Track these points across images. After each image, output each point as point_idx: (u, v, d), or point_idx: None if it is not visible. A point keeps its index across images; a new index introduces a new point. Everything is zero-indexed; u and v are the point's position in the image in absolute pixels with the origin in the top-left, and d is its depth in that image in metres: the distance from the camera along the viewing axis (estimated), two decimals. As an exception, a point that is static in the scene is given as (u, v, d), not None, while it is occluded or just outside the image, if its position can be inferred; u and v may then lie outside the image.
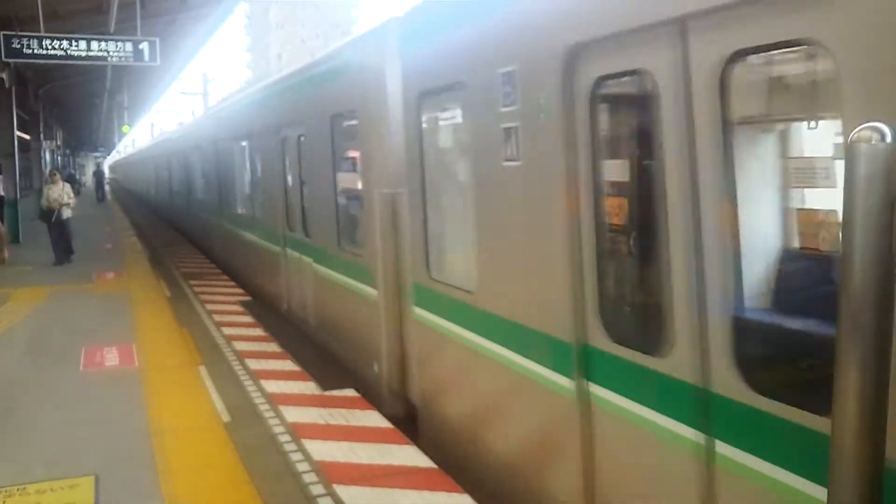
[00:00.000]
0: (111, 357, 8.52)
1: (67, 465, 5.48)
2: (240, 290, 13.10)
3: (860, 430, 1.51)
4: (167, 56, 21.78)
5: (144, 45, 15.42)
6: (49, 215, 16.21)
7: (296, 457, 5.52)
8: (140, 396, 7.06)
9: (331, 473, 5.20)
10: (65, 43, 14.91)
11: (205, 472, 5.33)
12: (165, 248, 20.19)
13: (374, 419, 6.30)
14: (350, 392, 7.01)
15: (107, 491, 5.05)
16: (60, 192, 16.51)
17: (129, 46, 15.35)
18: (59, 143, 44.55)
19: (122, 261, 16.97)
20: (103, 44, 15.24)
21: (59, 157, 43.81)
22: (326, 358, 8.43)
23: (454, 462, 5.39)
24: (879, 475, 1.50)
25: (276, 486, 5.06)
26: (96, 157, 74.82)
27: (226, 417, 6.42)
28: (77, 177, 54.82)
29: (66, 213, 16.43)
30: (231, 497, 4.93)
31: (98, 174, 49.30)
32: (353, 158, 7.98)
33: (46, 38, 14.86)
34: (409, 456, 5.49)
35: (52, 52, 14.82)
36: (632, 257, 3.90)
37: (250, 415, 6.49)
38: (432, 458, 5.45)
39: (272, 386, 7.26)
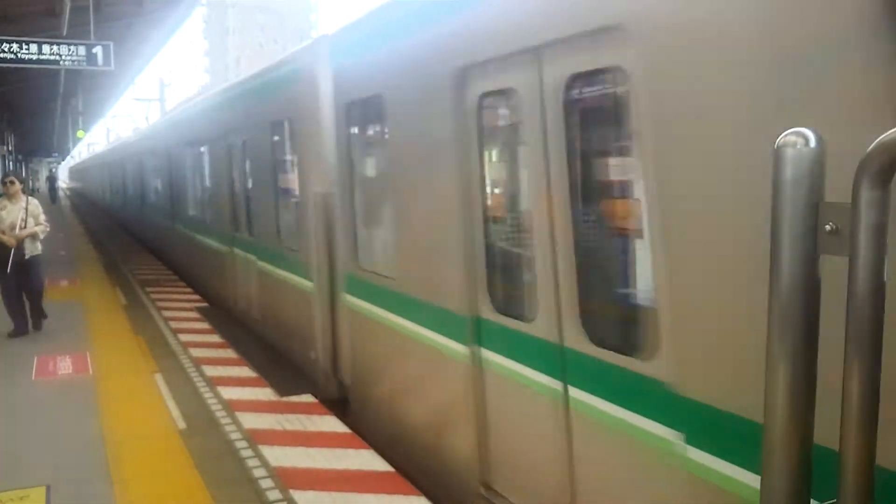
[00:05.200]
0: (65, 366, 8.38)
1: (18, 475, 5.39)
2: (196, 297, 12.96)
3: (790, 423, 1.56)
4: (122, 61, 21.47)
5: (98, 50, 15.16)
6: (2, 257, 9.58)
7: (252, 463, 5.50)
8: (94, 405, 6.96)
9: (287, 479, 5.19)
10: (15, 46, 14.56)
11: (160, 481, 5.28)
12: (121, 254, 19.88)
13: (331, 424, 6.29)
14: (307, 398, 6.99)
15: (59, 501, 4.98)
16: (23, 214, 9.77)
17: (82, 50, 15.07)
18: (10, 148, 43.60)
19: (76, 268, 16.67)
20: (55, 47, 14.93)
21: (10, 163, 42.90)
22: (283, 364, 8.39)
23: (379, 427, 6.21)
24: (808, 462, 1.56)
25: (232, 492, 5.04)
26: (50, 163, 74.02)
27: (181, 425, 6.37)
28: (31, 183, 54.96)
29: (34, 250, 9.89)
30: (186, 504, 4.90)
31: (51, 178, 55.34)
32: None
33: (-5, 40, 14.55)
34: (366, 460, 5.51)
35: (2, 55, 14.45)
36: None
37: (206, 422, 6.44)
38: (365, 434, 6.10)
39: (229, 392, 7.21)
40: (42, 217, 10.08)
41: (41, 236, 10.00)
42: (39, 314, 10.26)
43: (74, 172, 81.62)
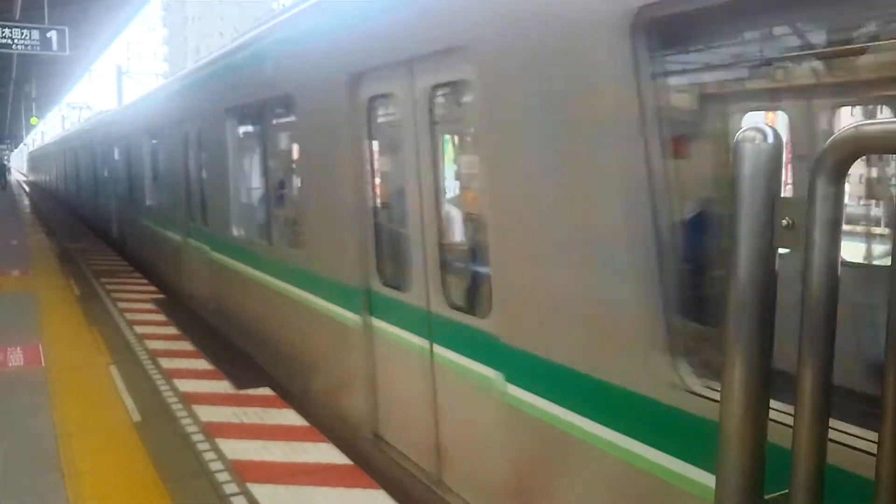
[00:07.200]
0: (15, 357, 8.19)
1: (-35, 469, 5.26)
2: (153, 288, 12.77)
3: (745, 417, 1.58)
4: (79, 46, 21.04)
5: (53, 34, 14.81)
6: None
7: (209, 456, 5.44)
8: (46, 397, 6.82)
9: (245, 472, 5.14)
10: (-35, 29, 14.21)
11: (113, 474, 5.19)
12: (76, 245, 19.49)
13: (289, 417, 6.25)
14: (265, 391, 6.93)
15: (8, 495, 4.87)
16: None
17: (35, 34, 14.70)
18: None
19: (29, 258, 16.30)
20: (8, 30, 14.53)
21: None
22: (241, 356, 8.32)
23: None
24: (763, 453, 1.58)
25: (188, 485, 4.97)
26: (1, 150, 72.48)
27: (136, 417, 6.27)
28: None
29: None
30: (140, 498, 4.82)
31: (1, 167, 56.12)
32: None
33: (-56, 23, 14.14)
34: (325, 453, 5.48)
35: (-48, 38, 14.11)
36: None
37: (162, 414, 6.35)
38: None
39: (185, 385, 7.12)
40: None
41: None
42: None
43: (36, 160, 67.53)
